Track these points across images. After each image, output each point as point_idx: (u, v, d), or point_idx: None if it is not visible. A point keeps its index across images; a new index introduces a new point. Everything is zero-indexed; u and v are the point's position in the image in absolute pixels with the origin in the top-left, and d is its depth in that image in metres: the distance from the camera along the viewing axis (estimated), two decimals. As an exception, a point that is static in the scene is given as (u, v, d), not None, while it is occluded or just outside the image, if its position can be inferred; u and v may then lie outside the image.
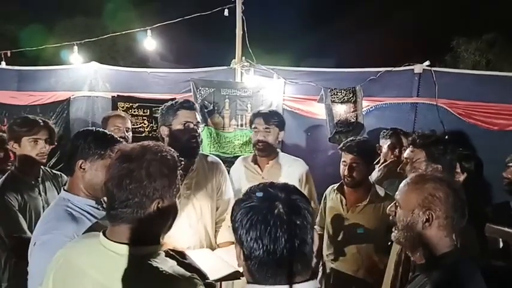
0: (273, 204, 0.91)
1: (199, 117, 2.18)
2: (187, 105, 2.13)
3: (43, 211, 2.12)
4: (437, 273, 1.25)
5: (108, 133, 1.61)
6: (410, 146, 1.97)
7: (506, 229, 1.98)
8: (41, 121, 2.23)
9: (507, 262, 1.92)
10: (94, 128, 1.63)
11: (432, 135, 2.00)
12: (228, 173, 2.61)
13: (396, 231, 1.37)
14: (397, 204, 1.39)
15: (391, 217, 1.42)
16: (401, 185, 1.41)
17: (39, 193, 2.21)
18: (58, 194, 2.21)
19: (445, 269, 1.26)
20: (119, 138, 1.62)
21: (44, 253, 1.33)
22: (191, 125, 2.10)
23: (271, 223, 0.89)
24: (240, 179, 2.62)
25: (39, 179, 2.24)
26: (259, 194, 0.94)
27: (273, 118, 2.50)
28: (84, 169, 1.51)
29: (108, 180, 1.12)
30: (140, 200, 1.08)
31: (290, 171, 2.53)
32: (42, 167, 2.29)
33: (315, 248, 0.94)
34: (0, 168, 2.56)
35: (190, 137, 2.07)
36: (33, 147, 2.18)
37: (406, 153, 1.99)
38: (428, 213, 1.28)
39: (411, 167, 1.90)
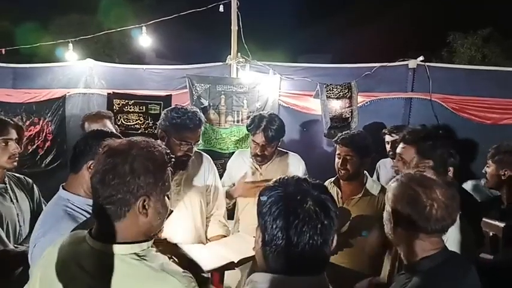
0: (305, 199, 0.93)
1: (202, 131, 2.13)
2: (192, 125, 2.05)
3: (18, 220, 2.01)
4: (416, 276, 1.25)
5: (121, 136, 1.54)
6: (402, 143, 1.98)
7: (494, 222, 2.01)
8: (8, 120, 2.04)
9: (495, 255, 1.95)
10: (109, 131, 1.59)
11: (422, 130, 2.01)
12: (226, 167, 2.61)
13: (386, 227, 1.38)
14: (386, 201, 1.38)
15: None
16: (388, 185, 1.40)
17: (11, 200, 2.02)
18: (27, 198, 2.10)
19: (426, 273, 1.25)
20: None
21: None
22: (188, 144, 2.06)
23: (300, 217, 0.91)
24: (237, 173, 2.64)
25: (7, 185, 2.04)
26: (293, 186, 0.97)
27: (273, 133, 2.40)
28: (91, 169, 1.43)
29: (93, 175, 1.09)
30: (124, 197, 1.04)
31: (288, 167, 2.58)
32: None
33: (332, 248, 0.97)
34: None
35: (183, 154, 2.05)
36: (3, 149, 1.96)
37: (398, 150, 2.00)
38: (404, 217, 1.26)
39: (403, 163, 1.91)
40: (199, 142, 2.15)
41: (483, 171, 2.37)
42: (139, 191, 1.05)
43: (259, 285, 0.94)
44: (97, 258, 1.07)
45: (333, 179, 2.47)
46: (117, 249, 1.06)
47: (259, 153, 2.46)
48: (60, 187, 1.53)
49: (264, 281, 0.94)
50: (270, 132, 2.39)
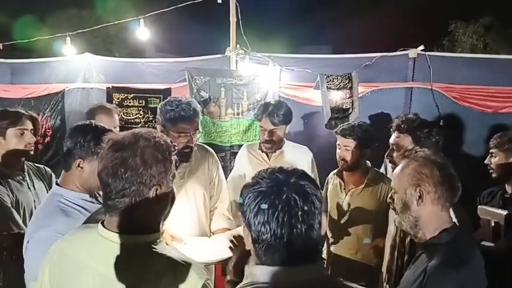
0: (282, 189, 0.92)
1: (199, 121, 2.11)
2: (187, 116, 2.03)
3: (34, 206, 2.09)
4: (441, 248, 1.31)
5: (108, 128, 1.56)
6: (396, 132, 1.98)
7: (497, 210, 2.01)
8: (24, 111, 2.16)
9: (496, 243, 1.95)
10: (93, 123, 1.57)
11: (416, 119, 2.02)
12: (227, 160, 2.60)
13: (397, 217, 1.43)
14: (393, 191, 1.45)
15: (391, 206, 1.47)
16: (394, 172, 1.47)
17: (28, 187, 2.13)
18: (45, 187, 2.20)
19: (447, 244, 1.31)
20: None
21: (37, 250, 1.32)
22: (187, 135, 2.05)
23: (279, 208, 0.90)
24: (245, 166, 2.65)
25: (25, 173, 2.16)
26: (268, 179, 0.96)
27: (279, 117, 2.47)
28: (82, 168, 1.48)
29: (101, 170, 1.09)
30: (137, 188, 1.06)
31: (296, 158, 2.59)
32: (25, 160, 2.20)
33: (323, 232, 0.97)
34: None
35: (184, 146, 2.03)
36: (20, 138, 2.10)
37: (392, 139, 2.00)
38: (418, 190, 1.35)
39: (399, 152, 1.91)
40: (199, 131, 2.13)
41: (486, 162, 2.32)
42: (151, 181, 1.07)
43: (259, 277, 0.94)
44: (111, 249, 1.07)
45: (336, 170, 2.47)
46: (132, 239, 1.08)
47: (267, 139, 2.48)
48: (54, 183, 1.56)
49: (263, 273, 0.94)
50: (276, 116, 2.45)
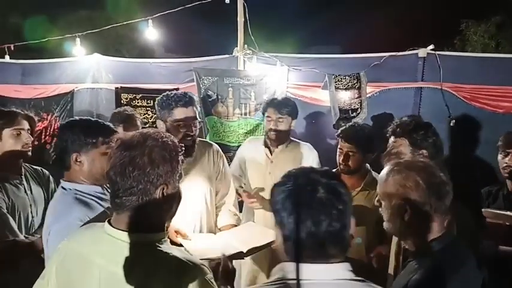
0: (315, 188, 0.94)
1: (197, 111, 2.12)
2: (183, 102, 2.04)
3: (31, 211, 2.03)
4: (426, 259, 1.26)
5: (92, 119, 1.57)
6: (392, 136, 1.94)
7: (506, 213, 1.96)
8: (19, 111, 2.08)
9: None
10: (77, 118, 1.58)
11: (411, 121, 1.97)
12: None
13: (385, 222, 1.38)
14: (379, 197, 1.40)
15: (380, 209, 1.42)
16: (379, 179, 1.41)
17: (25, 192, 2.04)
18: (43, 190, 2.13)
19: (433, 255, 1.26)
20: (105, 123, 1.57)
21: (61, 240, 1.28)
22: (186, 123, 2.04)
23: (313, 207, 0.93)
24: (247, 159, 2.67)
25: (23, 176, 2.07)
26: (300, 178, 0.98)
27: (286, 107, 2.52)
28: (80, 162, 1.48)
29: (110, 169, 1.11)
30: (145, 187, 1.08)
31: (300, 156, 2.57)
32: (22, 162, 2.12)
33: (352, 231, 0.99)
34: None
35: (184, 135, 2.03)
36: (16, 139, 2.00)
37: (389, 144, 1.96)
38: (404, 203, 1.28)
39: (396, 156, 1.88)
40: (198, 121, 2.11)
41: (508, 161, 2.21)
42: (158, 180, 1.09)
43: (289, 274, 0.95)
44: (118, 247, 1.08)
45: (334, 170, 2.44)
46: (138, 237, 1.09)
47: (273, 127, 2.49)
48: (61, 181, 1.55)
49: (293, 269, 0.95)
50: (284, 107, 2.51)
